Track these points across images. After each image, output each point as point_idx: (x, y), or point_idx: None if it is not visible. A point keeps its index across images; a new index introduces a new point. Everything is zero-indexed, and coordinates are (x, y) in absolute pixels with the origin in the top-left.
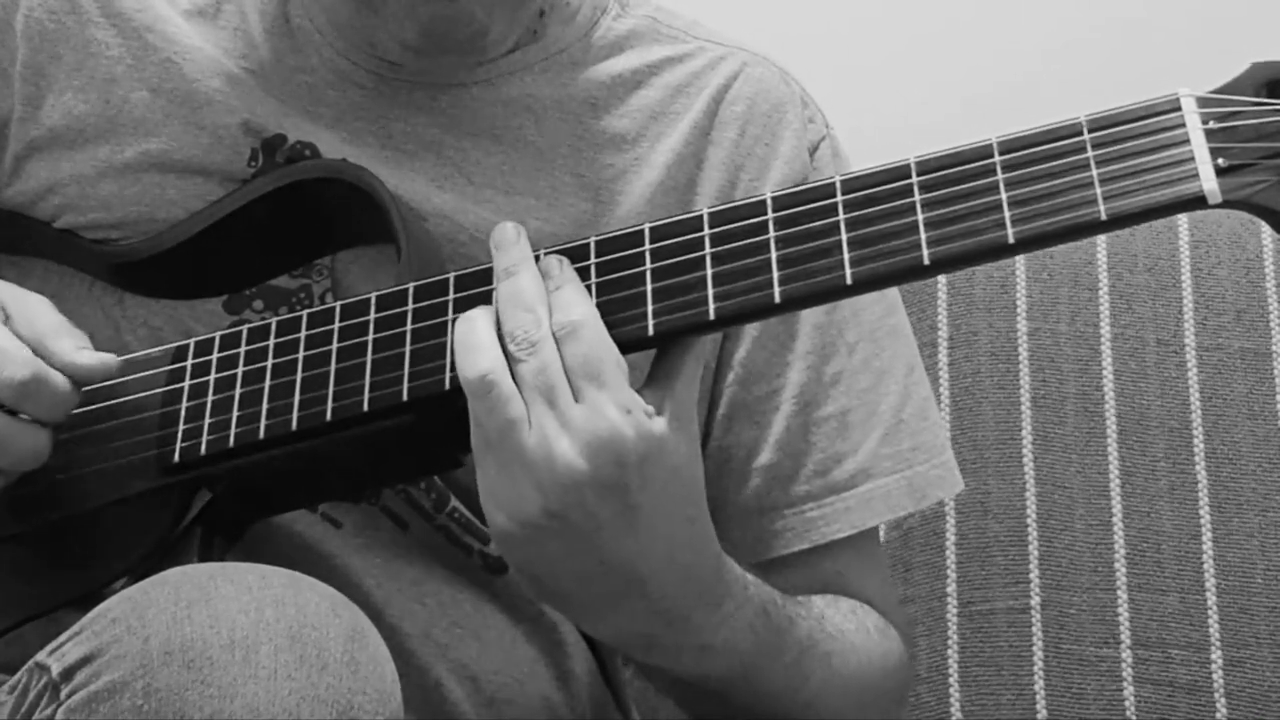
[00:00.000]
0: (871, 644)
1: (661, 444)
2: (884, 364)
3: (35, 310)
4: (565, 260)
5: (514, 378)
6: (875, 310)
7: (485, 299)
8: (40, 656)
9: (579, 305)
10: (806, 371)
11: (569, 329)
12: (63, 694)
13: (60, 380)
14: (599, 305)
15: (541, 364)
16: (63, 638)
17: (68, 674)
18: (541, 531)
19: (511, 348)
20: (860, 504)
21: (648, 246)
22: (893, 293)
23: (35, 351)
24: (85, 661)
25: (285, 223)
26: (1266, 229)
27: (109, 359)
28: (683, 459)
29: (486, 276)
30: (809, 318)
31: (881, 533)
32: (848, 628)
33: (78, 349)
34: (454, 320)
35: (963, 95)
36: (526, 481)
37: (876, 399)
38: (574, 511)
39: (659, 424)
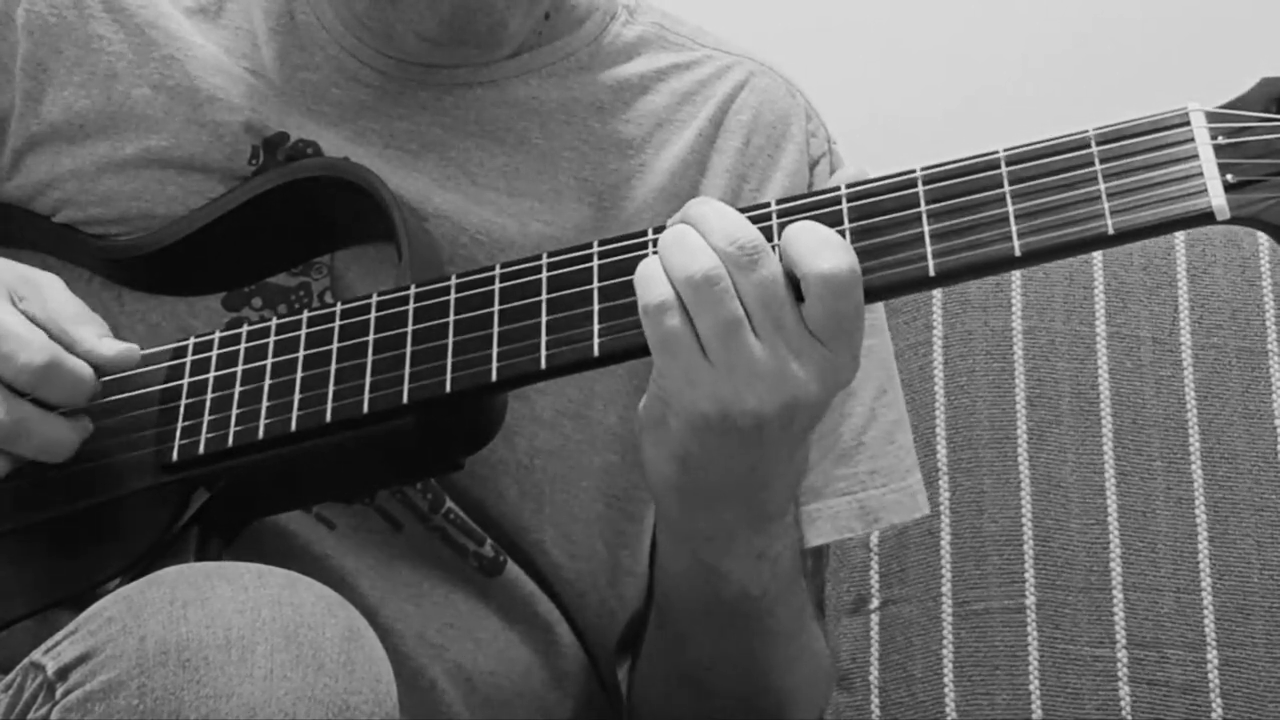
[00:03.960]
0: (820, 635)
1: None
2: (853, 385)
3: (49, 292)
4: None
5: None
6: None
7: (487, 300)
8: (35, 655)
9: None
10: None
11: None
12: (58, 693)
13: (78, 366)
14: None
15: (771, 274)
16: (58, 636)
17: (63, 673)
18: (734, 429)
19: (733, 249)
20: (805, 523)
21: (650, 251)
22: (877, 313)
23: (54, 337)
24: (81, 661)
25: (285, 220)
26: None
27: (132, 349)
28: None
29: (488, 279)
30: None
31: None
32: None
33: (100, 337)
34: (455, 321)
35: (964, 96)
36: (749, 385)
37: (838, 420)
38: (776, 422)
39: None
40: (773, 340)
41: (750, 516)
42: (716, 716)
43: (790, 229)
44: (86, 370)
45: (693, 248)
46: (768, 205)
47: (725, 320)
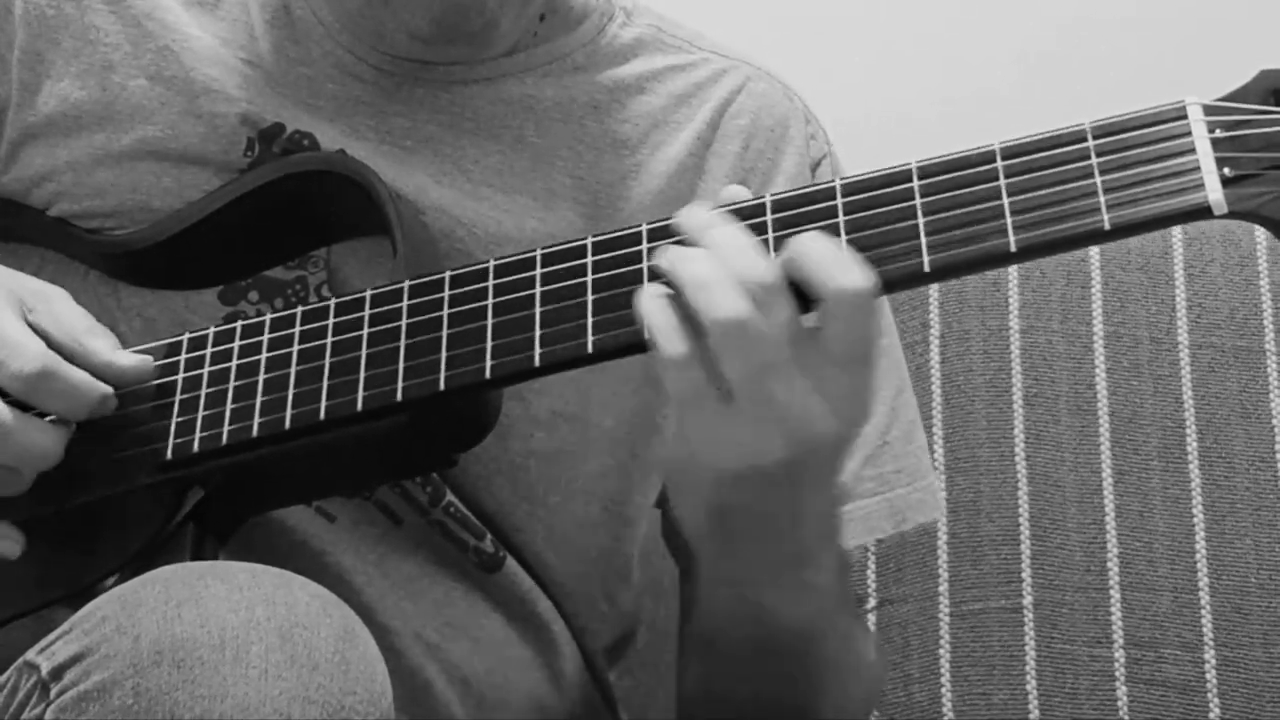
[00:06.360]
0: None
1: None
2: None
3: (60, 305)
4: None
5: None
6: None
7: (480, 297)
8: (29, 655)
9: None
10: None
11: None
12: (52, 693)
13: (74, 375)
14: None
15: (793, 310)
16: (52, 636)
17: (57, 673)
18: (765, 478)
19: (756, 287)
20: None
21: (644, 246)
22: (885, 313)
23: (69, 349)
24: (75, 660)
25: (281, 214)
26: (1260, 227)
27: (147, 360)
28: None
29: (482, 274)
30: None
31: None
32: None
33: (114, 349)
34: (449, 317)
35: (958, 95)
36: (775, 432)
37: None
38: (805, 463)
39: None
40: (799, 381)
41: (790, 552)
42: None
43: (799, 242)
44: (85, 380)
45: (719, 285)
46: (762, 199)
47: (756, 367)
